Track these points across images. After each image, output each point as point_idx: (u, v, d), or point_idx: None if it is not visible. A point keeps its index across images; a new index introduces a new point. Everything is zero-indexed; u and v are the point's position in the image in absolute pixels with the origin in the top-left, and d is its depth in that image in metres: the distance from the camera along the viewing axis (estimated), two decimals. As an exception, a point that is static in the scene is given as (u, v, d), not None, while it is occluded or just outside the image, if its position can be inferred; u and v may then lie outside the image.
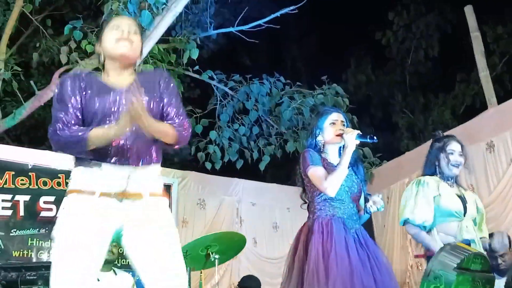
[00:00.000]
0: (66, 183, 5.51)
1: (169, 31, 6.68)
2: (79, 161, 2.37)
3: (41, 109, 7.34)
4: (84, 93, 2.39)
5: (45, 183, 5.43)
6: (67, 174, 5.39)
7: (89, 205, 2.30)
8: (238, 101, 7.37)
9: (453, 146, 3.57)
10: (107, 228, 2.32)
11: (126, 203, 2.34)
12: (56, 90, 2.44)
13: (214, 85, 7.43)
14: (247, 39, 7.26)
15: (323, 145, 3.34)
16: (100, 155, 2.32)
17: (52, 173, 5.49)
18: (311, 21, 10.39)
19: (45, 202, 5.38)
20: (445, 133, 3.87)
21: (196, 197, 6.57)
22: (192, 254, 4.15)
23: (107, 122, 2.34)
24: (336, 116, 3.35)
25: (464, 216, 3.39)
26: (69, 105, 2.36)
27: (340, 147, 3.30)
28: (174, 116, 2.47)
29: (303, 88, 7.39)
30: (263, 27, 7.03)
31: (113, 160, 2.34)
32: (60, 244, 2.27)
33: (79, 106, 2.37)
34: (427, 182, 3.48)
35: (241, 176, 7.10)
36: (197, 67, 7.21)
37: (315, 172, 3.18)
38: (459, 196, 3.48)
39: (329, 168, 3.20)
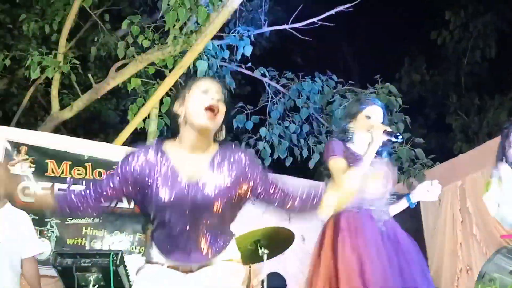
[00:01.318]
0: (120, 175, 5.64)
1: (223, 28, 6.75)
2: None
3: (97, 102, 7.55)
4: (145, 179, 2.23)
5: (100, 174, 5.56)
6: (121, 165, 5.55)
7: (157, 276, 2.25)
8: (289, 98, 7.38)
9: None
10: None
11: (191, 277, 2.24)
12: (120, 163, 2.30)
13: (266, 82, 7.47)
14: (300, 37, 7.26)
15: (352, 134, 3.26)
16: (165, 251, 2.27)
17: (107, 165, 5.62)
18: (365, 19, 10.29)
19: (100, 192, 5.51)
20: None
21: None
22: (241, 248, 4.18)
23: (170, 213, 2.19)
24: (373, 110, 3.25)
25: None
26: (110, 182, 2.26)
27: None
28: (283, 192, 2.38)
29: (355, 87, 7.33)
30: (317, 24, 7.02)
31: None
32: None
33: (117, 188, 2.26)
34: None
35: (290, 173, 7.09)
36: (249, 64, 7.26)
37: (335, 164, 3.11)
38: None
39: (352, 158, 3.12)
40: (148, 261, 2.30)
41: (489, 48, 11.02)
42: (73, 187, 2.36)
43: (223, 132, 2.35)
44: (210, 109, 2.20)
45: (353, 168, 3.03)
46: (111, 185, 2.25)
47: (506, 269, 2.45)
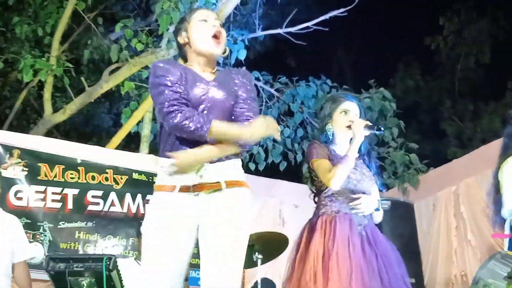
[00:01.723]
0: (114, 179, 5.61)
1: (217, 32, 6.73)
2: (162, 154, 2.38)
3: (90, 105, 7.51)
4: (183, 77, 2.37)
5: (93, 178, 5.52)
6: (115, 169, 5.54)
7: (170, 202, 2.32)
8: (283, 103, 7.37)
9: None
10: (187, 224, 2.31)
11: (202, 198, 2.32)
12: (154, 74, 2.37)
13: (260, 87, 7.45)
14: (295, 41, 7.25)
15: (332, 134, 3.22)
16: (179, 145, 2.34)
17: (100, 168, 5.58)
18: (360, 24, 10.31)
19: (93, 196, 5.47)
20: (500, 140, 3.66)
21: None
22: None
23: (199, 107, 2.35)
24: (348, 105, 3.20)
25: None
26: (176, 84, 2.32)
27: (351, 139, 3.14)
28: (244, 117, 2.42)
29: (349, 91, 7.32)
30: (311, 29, 7.01)
31: None
32: (146, 241, 2.33)
33: (183, 85, 2.35)
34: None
35: (284, 178, 7.07)
36: (243, 68, 7.24)
37: (319, 165, 3.07)
38: None
39: (336, 160, 3.07)
40: (159, 187, 2.37)
41: (483, 54, 11.07)
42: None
43: (228, 51, 2.55)
44: (215, 36, 2.42)
45: (338, 166, 3.00)
46: (182, 85, 2.35)
47: (500, 274, 2.43)
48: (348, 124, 3.14)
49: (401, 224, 6.63)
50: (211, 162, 2.32)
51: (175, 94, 2.30)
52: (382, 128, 3.14)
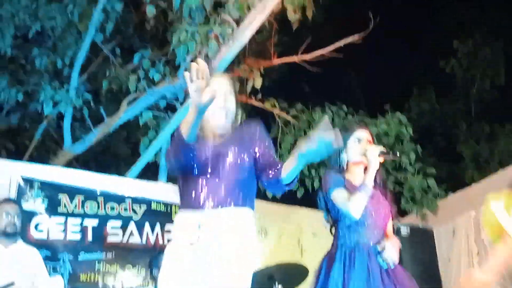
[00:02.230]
0: (133, 209, 5.64)
1: (233, 60, 6.80)
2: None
3: (108, 135, 7.57)
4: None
5: (112, 208, 5.56)
6: (134, 199, 5.57)
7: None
8: (299, 129, 7.38)
9: None
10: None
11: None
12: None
13: (276, 114, 7.48)
14: (310, 69, 7.30)
15: (347, 164, 3.23)
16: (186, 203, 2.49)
17: (119, 199, 5.62)
18: (374, 48, 10.35)
19: (112, 227, 5.51)
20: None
21: (258, 225, 6.49)
22: (253, 283, 4.14)
23: (194, 172, 2.44)
24: (361, 134, 3.23)
25: None
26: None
27: (365, 167, 3.15)
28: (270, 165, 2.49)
29: (365, 117, 7.33)
30: (326, 57, 7.07)
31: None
32: None
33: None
34: None
35: (302, 204, 7.06)
36: (260, 96, 7.29)
37: (337, 194, 3.07)
38: None
39: (352, 189, 3.07)
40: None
41: (498, 76, 11.04)
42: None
43: (239, 118, 2.64)
44: (217, 111, 2.50)
45: (357, 194, 3.00)
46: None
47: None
48: (363, 151, 3.15)
49: (420, 250, 6.58)
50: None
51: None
52: (397, 153, 3.15)
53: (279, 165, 2.44)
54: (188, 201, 2.45)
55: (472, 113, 11.41)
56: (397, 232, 6.43)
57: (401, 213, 7.23)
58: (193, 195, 2.43)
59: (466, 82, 11.38)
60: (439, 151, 11.03)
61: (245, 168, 2.51)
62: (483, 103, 11.37)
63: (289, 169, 2.34)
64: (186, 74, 2.16)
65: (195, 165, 2.43)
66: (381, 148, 3.13)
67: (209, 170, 2.45)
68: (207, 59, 5.96)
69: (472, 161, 10.90)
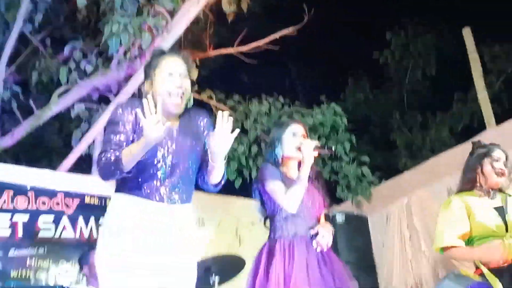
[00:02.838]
0: (65, 203, 5.50)
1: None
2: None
3: (40, 128, 7.34)
4: (136, 125, 2.45)
5: (44, 203, 5.40)
6: (66, 193, 5.42)
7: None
8: (237, 120, 7.38)
9: (498, 153, 3.36)
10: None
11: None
12: (110, 116, 2.50)
13: (213, 105, 7.45)
14: (246, 60, 7.30)
15: (282, 158, 3.27)
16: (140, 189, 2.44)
17: (51, 193, 5.47)
18: (309, 41, 10.45)
19: (44, 222, 5.35)
20: (447, 152, 3.70)
21: (195, 216, 6.45)
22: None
23: (150, 159, 2.41)
24: (296, 128, 3.29)
25: (507, 230, 3.15)
26: (121, 132, 2.43)
27: (300, 161, 3.21)
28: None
29: (302, 108, 7.41)
30: (262, 47, 7.08)
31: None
32: None
33: (130, 134, 2.44)
34: (456, 203, 3.31)
35: (240, 194, 7.08)
36: (196, 87, 7.23)
37: (274, 187, 3.10)
38: (498, 209, 3.23)
39: (289, 183, 3.11)
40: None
41: (429, 67, 11.39)
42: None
43: (191, 101, 2.68)
44: (176, 100, 2.48)
45: (293, 187, 3.04)
46: (127, 138, 2.42)
47: (454, 294, 2.48)
48: (298, 145, 3.18)
49: (355, 237, 6.74)
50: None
51: (115, 144, 2.39)
52: (332, 147, 3.22)
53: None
54: (140, 188, 2.41)
55: (405, 102, 11.72)
56: (332, 219, 6.55)
57: (337, 201, 7.37)
58: (148, 185, 2.41)
59: (399, 73, 11.68)
60: (373, 140, 11.29)
61: (197, 160, 2.55)
62: (415, 93, 11.71)
63: (211, 172, 2.49)
64: (139, 110, 2.21)
65: (153, 156, 2.42)
66: (315, 143, 3.17)
67: (167, 161, 2.46)
68: (140, 50, 5.88)
69: (405, 149, 11.22)
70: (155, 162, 2.43)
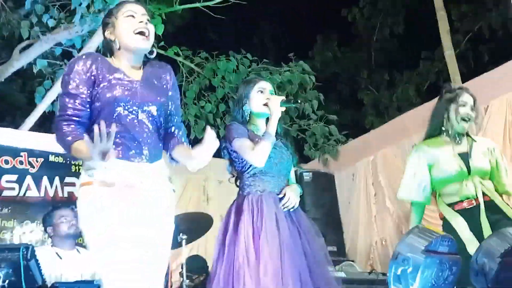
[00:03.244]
0: (29, 162, 5.40)
1: (133, 6, 6.52)
2: None
3: (1, 85, 7.14)
4: (98, 78, 2.37)
5: (6, 162, 5.28)
6: (30, 152, 5.31)
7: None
8: (204, 78, 7.28)
9: (466, 98, 3.37)
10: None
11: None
12: (66, 72, 2.40)
13: (180, 62, 7.32)
14: (214, 15, 7.15)
15: (250, 115, 3.26)
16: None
17: (14, 151, 5.35)
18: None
19: (7, 181, 5.24)
20: (413, 110, 3.74)
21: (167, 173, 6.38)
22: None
23: (118, 108, 2.35)
24: (263, 85, 3.27)
25: (470, 174, 3.28)
26: (78, 94, 2.34)
27: (268, 118, 3.19)
28: (177, 129, 2.57)
29: (270, 65, 7.34)
30: (230, 2, 6.94)
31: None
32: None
33: (88, 93, 2.36)
34: (419, 153, 3.44)
35: (207, 153, 7.04)
36: (162, 43, 7.08)
37: (241, 144, 3.08)
38: (462, 154, 3.34)
39: (256, 139, 3.11)
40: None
41: (397, 25, 11.40)
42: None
43: (154, 54, 2.54)
44: (141, 33, 2.43)
45: (260, 143, 3.04)
46: (85, 96, 2.35)
47: (419, 248, 2.53)
48: (265, 101, 3.18)
49: (322, 194, 6.81)
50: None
51: (72, 109, 2.33)
52: (299, 100, 3.21)
53: (178, 137, 2.55)
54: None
55: (372, 61, 11.76)
56: (300, 177, 6.60)
57: (304, 159, 7.41)
58: (120, 144, 2.33)
59: (367, 30, 11.67)
60: (341, 99, 11.35)
61: (163, 114, 2.51)
62: (383, 51, 11.74)
63: (180, 157, 2.49)
64: (87, 138, 2.10)
65: (121, 103, 2.36)
66: (282, 97, 3.16)
67: (138, 116, 2.40)
68: (104, 3, 5.70)
69: (372, 108, 11.32)
70: (122, 115, 2.36)
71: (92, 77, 2.37)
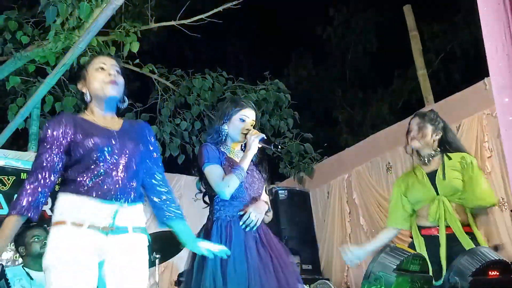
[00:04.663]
0: (0, 180, 5.32)
1: (108, 23, 6.51)
2: (65, 187, 2.42)
3: (-28, 101, 7.05)
4: (70, 136, 2.43)
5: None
6: (1, 170, 5.23)
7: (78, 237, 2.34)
8: (179, 95, 7.28)
9: (412, 122, 3.55)
10: (95, 260, 2.37)
11: (111, 237, 2.39)
12: (41, 135, 2.48)
13: (155, 79, 7.31)
14: (189, 33, 7.17)
15: (226, 136, 3.23)
16: (88, 189, 2.37)
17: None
18: (253, 15, 10.41)
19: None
20: (387, 129, 3.78)
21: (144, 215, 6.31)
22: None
23: (96, 159, 2.39)
24: (248, 113, 3.23)
25: (438, 193, 3.37)
26: (46, 160, 2.39)
27: (242, 144, 3.20)
28: (162, 182, 2.65)
29: (245, 83, 7.37)
30: (206, 21, 6.96)
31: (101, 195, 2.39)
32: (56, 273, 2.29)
33: (59, 156, 2.41)
34: (397, 184, 3.63)
35: (182, 171, 7.03)
36: (137, 61, 7.06)
37: (211, 171, 3.05)
38: (430, 174, 3.44)
39: (228, 164, 3.09)
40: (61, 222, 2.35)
41: (370, 44, 11.57)
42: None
43: (126, 103, 2.65)
44: (111, 82, 2.52)
45: (231, 176, 3.01)
46: (54, 160, 2.40)
47: (390, 267, 2.55)
48: (245, 132, 3.15)
49: (298, 212, 6.85)
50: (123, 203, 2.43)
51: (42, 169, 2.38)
52: (279, 146, 3.20)
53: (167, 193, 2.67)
54: (90, 188, 2.37)
55: (347, 79, 11.89)
56: (275, 195, 6.62)
57: (279, 177, 7.43)
58: (100, 184, 2.37)
59: (341, 49, 11.80)
60: (315, 117, 11.43)
61: (142, 161, 2.56)
62: (356, 69, 11.88)
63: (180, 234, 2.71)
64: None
65: (99, 155, 2.40)
66: (262, 136, 3.12)
67: (115, 161, 2.43)
68: (79, 21, 5.68)
69: (347, 126, 11.42)
70: (101, 160, 2.40)
71: (68, 138, 2.43)
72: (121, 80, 2.57)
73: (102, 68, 2.55)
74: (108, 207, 2.37)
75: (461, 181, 3.36)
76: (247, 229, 3.02)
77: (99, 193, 2.36)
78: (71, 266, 2.26)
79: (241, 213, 3.05)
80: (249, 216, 3.02)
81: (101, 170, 2.38)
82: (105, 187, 2.37)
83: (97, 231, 2.34)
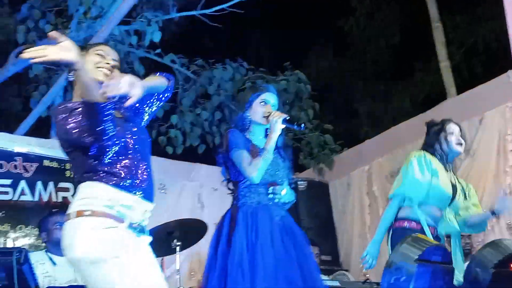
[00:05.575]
0: (23, 166, 5.38)
1: (130, 13, 6.55)
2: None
3: (-3, 89, 7.16)
4: None
5: (1, 166, 5.27)
6: (24, 156, 5.30)
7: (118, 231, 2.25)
8: (200, 85, 7.29)
9: (452, 126, 3.53)
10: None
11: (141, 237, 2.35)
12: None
13: (176, 69, 7.33)
14: (210, 23, 7.18)
15: (250, 122, 3.26)
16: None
17: (9, 156, 5.34)
18: (274, 5, 10.37)
19: (1, 185, 5.23)
20: (408, 121, 3.76)
21: (157, 182, 6.35)
22: (153, 240, 4.10)
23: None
24: (268, 96, 3.24)
25: (449, 205, 3.44)
26: None
27: (267, 129, 3.21)
28: None
29: (266, 74, 7.36)
30: (227, 11, 6.97)
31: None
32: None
33: None
34: (428, 158, 3.48)
35: (202, 161, 7.05)
36: (158, 50, 7.09)
37: (238, 156, 3.07)
38: (452, 184, 3.48)
39: (254, 150, 3.11)
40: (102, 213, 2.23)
41: (392, 36, 11.45)
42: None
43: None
44: (105, 74, 2.41)
45: (258, 159, 3.02)
46: None
47: (411, 257, 2.54)
48: (266, 114, 3.16)
49: (317, 203, 6.83)
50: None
51: None
52: (302, 125, 3.19)
53: None
54: (122, 180, 2.28)
55: (367, 71, 11.79)
56: (294, 186, 6.60)
57: (299, 168, 7.42)
58: (130, 177, 2.31)
59: (363, 41, 11.70)
60: (336, 108, 11.36)
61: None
62: (378, 62, 11.78)
63: None
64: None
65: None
66: (285, 116, 3.13)
67: (136, 154, 2.41)
68: (101, 10, 5.72)
69: (367, 118, 11.34)
70: (126, 151, 2.35)
71: None
72: (116, 74, 2.42)
73: (102, 56, 2.47)
74: (145, 206, 2.34)
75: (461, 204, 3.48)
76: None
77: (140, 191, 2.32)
78: (129, 257, 2.20)
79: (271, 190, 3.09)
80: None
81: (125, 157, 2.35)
82: (144, 185, 2.33)
83: (132, 230, 2.27)
